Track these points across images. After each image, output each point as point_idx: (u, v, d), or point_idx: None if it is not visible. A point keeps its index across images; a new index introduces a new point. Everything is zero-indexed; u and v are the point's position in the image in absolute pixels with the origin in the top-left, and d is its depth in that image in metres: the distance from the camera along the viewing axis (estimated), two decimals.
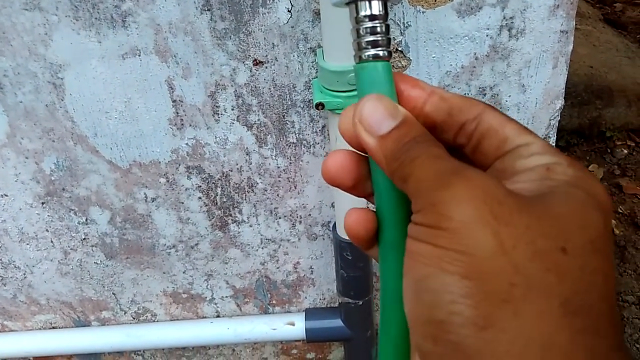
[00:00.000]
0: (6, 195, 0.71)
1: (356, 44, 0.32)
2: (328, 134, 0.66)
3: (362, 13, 0.32)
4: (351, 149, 0.31)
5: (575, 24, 1.96)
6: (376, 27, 0.32)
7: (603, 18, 2.35)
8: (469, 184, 0.23)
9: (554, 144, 0.68)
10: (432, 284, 0.23)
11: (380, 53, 0.32)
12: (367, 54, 0.32)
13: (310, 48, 0.60)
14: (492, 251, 0.22)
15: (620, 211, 1.88)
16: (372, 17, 0.32)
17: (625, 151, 2.05)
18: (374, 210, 0.31)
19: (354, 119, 0.29)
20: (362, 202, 0.60)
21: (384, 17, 0.32)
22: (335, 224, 0.71)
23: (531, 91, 0.64)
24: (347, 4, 0.32)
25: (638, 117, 2.08)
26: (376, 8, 0.32)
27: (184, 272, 0.79)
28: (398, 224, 0.30)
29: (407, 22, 0.59)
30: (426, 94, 0.30)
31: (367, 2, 0.32)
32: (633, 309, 1.61)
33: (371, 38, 0.32)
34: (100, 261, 0.78)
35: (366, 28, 0.32)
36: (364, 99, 0.29)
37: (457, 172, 0.24)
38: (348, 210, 0.32)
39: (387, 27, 0.32)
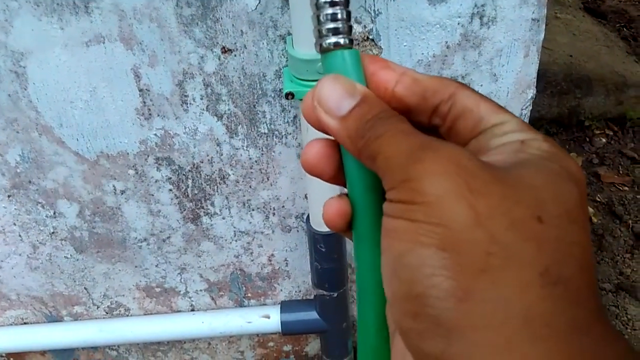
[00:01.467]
0: None
1: (317, 31, 0.31)
2: (300, 124, 0.65)
3: None
4: (329, 136, 0.31)
5: (555, 13, 1.95)
6: (337, 13, 0.31)
7: (583, 7, 2.36)
8: (441, 157, 0.23)
9: None
10: (410, 258, 0.22)
11: (341, 41, 0.31)
12: (327, 41, 0.31)
13: (280, 36, 0.59)
14: (467, 222, 0.21)
15: (598, 200, 1.90)
16: (332, 3, 0.31)
17: (604, 140, 2.07)
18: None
19: (313, 102, 0.28)
20: (335, 192, 0.59)
21: (345, 3, 0.31)
22: (308, 215, 0.70)
23: (503, 80, 0.63)
24: None
25: (616, 107, 2.10)
26: None
27: (156, 266, 0.78)
28: (370, 206, 0.30)
29: (377, 10, 0.58)
30: (397, 75, 0.30)
31: None
32: (610, 296, 1.63)
33: (332, 25, 0.31)
34: (71, 255, 0.76)
35: (326, 15, 0.31)
36: (320, 81, 0.28)
37: (427, 146, 0.24)
38: (326, 201, 0.31)
39: (349, 13, 0.31)
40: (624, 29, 2.25)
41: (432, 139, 0.24)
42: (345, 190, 0.32)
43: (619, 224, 1.82)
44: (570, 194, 0.23)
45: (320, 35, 0.31)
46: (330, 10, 0.30)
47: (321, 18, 0.31)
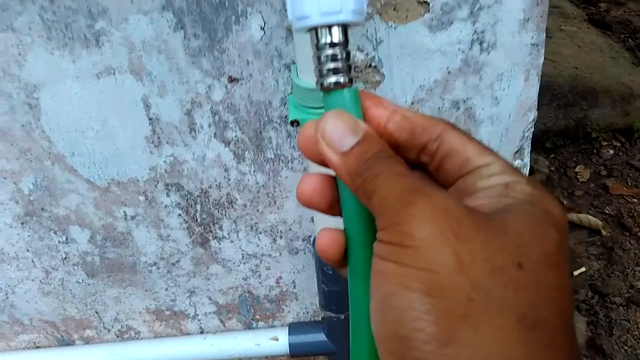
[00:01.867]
0: None
1: (317, 70, 0.33)
2: None
3: (322, 40, 0.32)
4: (324, 171, 0.32)
5: (560, 25, 1.97)
6: (337, 54, 0.32)
7: (588, 18, 2.38)
8: (430, 203, 0.24)
9: (528, 155, 0.69)
10: (397, 301, 0.24)
11: (342, 80, 0.32)
12: (328, 81, 0.32)
13: (285, 64, 0.61)
14: (451, 268, 0.23)
15: (607, 212, 1.90)
16: (332, 45, 0.32)
17: (611, 152, 2.07)
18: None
19: (316, 135, 0.30)
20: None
21: (344, 43, 0.33)
22: (315, 238, 0.72)
23: (504, 104, 0.65)
24: (308, 30, 0.33)
25: (623, 118, 2.11)
26: (336, 35, 0.32)
27: (166, 289, 0.79)
28: (365, 244, 0.31)
29: (379, 38, 0.59)
30: (389, 112, 0.31)
31: (326, 29, 0.32)
32: (621, 310, 1.62)
33: (332, 65, 0.32)
34: (82, 280, 0.78)
35: (327, 55, 0.32)
36: (325, 115, 0.30)
37: (418, 191, 0.25)
38: (319, 230, 0.33)
39: (348, 53, 0.33)
40: (629, 40, 2.27)
41: (423, 184, 0.26)
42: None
43: (629, 236, 1.82)
44: (550, 239, 0.25)
45: (321, 75, 0.33)
46: (330, 51, 0.32)
47: (322, 58, 0.32)
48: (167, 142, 0.66)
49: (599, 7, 2.38)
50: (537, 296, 0.23)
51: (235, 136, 0.66)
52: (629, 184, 1.99)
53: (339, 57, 0.32)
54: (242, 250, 0.76)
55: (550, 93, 2.11)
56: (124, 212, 0.72)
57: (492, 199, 0.27)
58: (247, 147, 0.67)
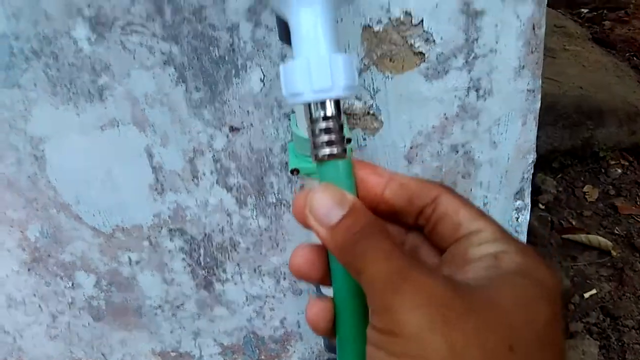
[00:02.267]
0: None
1: (312, 142, 0.34)
2: None
3: (315, 114, 0.34)
4: (316, 240, 0.33)
5: (564, 45, 1.99)
6: (330, 127, 0.34)
7: (592, 37, 2.39)
8: (419, 289, 0.25)
9: (529, 196, 0.70)
10: None
11: (335, 151, 0.33)
12: (322, 153, 0.33)
13: (285, 113, 0.63)
14: (444, 356, 0.23)
15: (617, 232, 1.89)
16: (325, 118, 0.34)
17: (619, 171, 2.07)
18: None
19: (305, 209, 0.30)
20: None
21: (337, 116, 0.34)
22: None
23: (502, 147, 0.66)
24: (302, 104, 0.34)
25: (630, 137, 2.11)
26: (329, 109, 0.33)
27: (171, 332, 0.80)
28: (354, 315, 0.32)
29: (376, 87, 0.61)
30: (385, 180, 0.32)
31: (319, 104, 0.33)
32: (633, 333, 1.61)
33: (326, 138, 0.33)
34: (88, 323, 0.79)
35: (320, 128, 0.34)
36: (312, 190, 0.30)
37: (406, 275, 0.25)
38: (309, 300, 0.34)
39: (341, 125, 0.34)
40: (634, 58, 2.28)
41: (412, 265, 0.26)
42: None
43: (639, 256, 1.82)
44: (541, 315, 0.25)
45: (315, 147, 0.34)
46: (323, 124, 0.33)
47: (315, 131, 0.34)
48: (171, 190, 0.68)
49: (603, 25, 2.40)
50: None
51: (237, 182, 0.68)
52: (638, 203, 1.99)
53: (332, 129, 0.34)
54: (246, 292, 0.77)
55: (556, 113, 2.11)
56: (129, 257, 0.73)
57: (483, 271, 0.27)
58: (249, 193, 0.69)
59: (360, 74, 0.60)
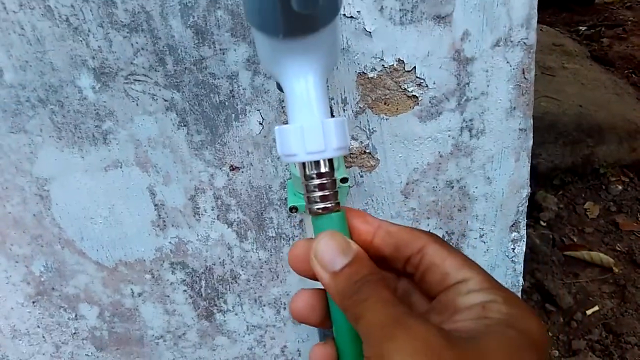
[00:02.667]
0: None
1: (306, 197, 0.37)
2: (305, 228, 0.70)
3: (309, 172, 0.36)
4: (316, 285, 0.35)
5: (563, 63, 2.01)
6: (324, 183, 0.36)
7: (590, 55, 2.41)
8: (412, 337, 0.26)
9: (524, 228, 0.72)
10: None
11: (329, 205, 0.36)
12: (316, 207, 0.36)
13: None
14: None
15: (619, 249, 1.91)
16: (319, 175, 0.36)
17: (620, 187, 2.09)
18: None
19: (310, 253, 0.32)
20: None
21: (330, 173, 0.36)
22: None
23: (497, 183, 0.68)
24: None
25: (630, 153, 2.13)
26: (322, 167, 0.36)
27: None
28: (356, 356, 0.34)
29: (372, 128, 0.63)
30: (373, 228, 0.34)
31: (313, 163, 0.36)
32: (636, 350, 1.62)
33: (319, 194, 0.36)
34: (91, 353, 0.81)
35: (314, 185, 0.36)
36: (319, 236, 0.32)
37: (401, 323, 0.27)
38: (312, 347, 0.36)
39: (334, 181, 0.36)
40: (633, 75, 2.30)
41: (408, 314, 0.28)
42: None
43: None
44: None
45: (309, 202, 0.36)
46: (317, 181, 0.36)
47: (309, 187, 0.36)
48: (172, 225, 0.70)
49: (601, 42, 2.42)
50: None
51: (238, 218, 0.70)
52: (639, 219, 2.00)
53: (325, 185, 0.36)
54: (247, 322, 0.79)
55: (556, 131, 2.14)
56: (132, 289, 0.75)
57: (471, 321, 0.29)
58: (249, 227, 0.71)
59: (356, 116, 0.63)
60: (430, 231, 0.69)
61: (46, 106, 0.60)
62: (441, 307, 0.31)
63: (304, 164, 0.36)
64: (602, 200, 2.08)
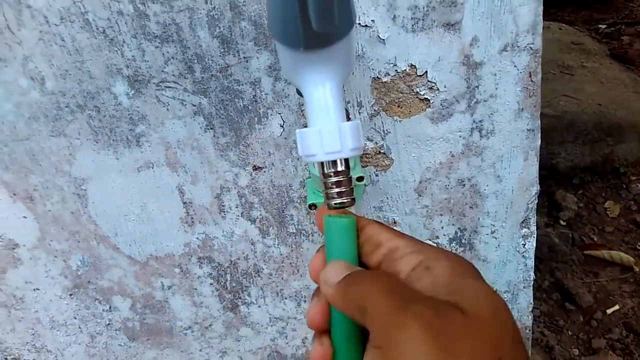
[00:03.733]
0: (38, 289, 0.81)
1: (325, 193, 0.41)
2: None
3: (327, 170, 0.40)
4: None
5: (582, 62, 2.01)
6: (341, 180, 0.40)
7: (610, 53, 2.41)
8: (419, 322, 0.29)
9: (534, 224, 0.75)
10: None
11: (346, 201, 0.40)
12: (334, 202, 0.40)
13: None
14: None
15: (639, 248, 1.91)
16: (336, 173, 0.40)
17: None
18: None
19: (320, 280, 0.37)
20: None
21: (346, 171, 0.41)
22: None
23: (506, 181, 0.71)
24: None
25: None
26: (339, 166, 0.40)
27: (200, 350, 0.87)
28: (350, 352, 0.38)
29: (386, 130, 0.67)
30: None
31: (330, 162, 0.40)
32: None
33: (336, 190, 0.40)
34: (124, 343, 0.86)
35: (332, 182, 0.40)
36: (328, 266, 0.37)
37: (406, 309, 0.29)
38: (312, 347, 0.40)
39: (350, 179, 0.41)
40: None
41: (410, 296, 0.30)
42: None
43: None
44: (510, 320, 0.31)
45: (327, 197, 0.41)
46: (334, 179, 0.40)
47: (328, 184, 0.40)
48: (200, 222, 0.75)
49: (621, 40, 2.42)
50: None
51: (260, 215, 0.74)
52: None
53: (342, 182, 0.40)
54: (269, 314, 0.84)
55: (575, 130, 2.14)
56: (162, 282, 0.80)
57: (428, 282, 0.32)
58: (271, 224, 0.75)
59: (371, 118, 0.67)
60: (443, 228, 0.73)
61: (84, 111, 0.65)
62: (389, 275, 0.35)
63: (322, 163, 0.41)
64: (623, 200, 2.08)
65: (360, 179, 0.64)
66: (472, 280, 0.32)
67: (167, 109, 0.65)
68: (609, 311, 1.75)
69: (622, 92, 2.16)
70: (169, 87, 0.63)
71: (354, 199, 0.41)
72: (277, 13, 0.36)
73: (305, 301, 0.83)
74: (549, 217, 2.11)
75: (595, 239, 2.00)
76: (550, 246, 1.95)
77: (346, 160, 0.41)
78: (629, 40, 2.42)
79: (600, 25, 2.49)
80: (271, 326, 0.85)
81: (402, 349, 0.28)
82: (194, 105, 0.65)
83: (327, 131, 0.39)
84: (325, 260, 0.39)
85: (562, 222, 2.02)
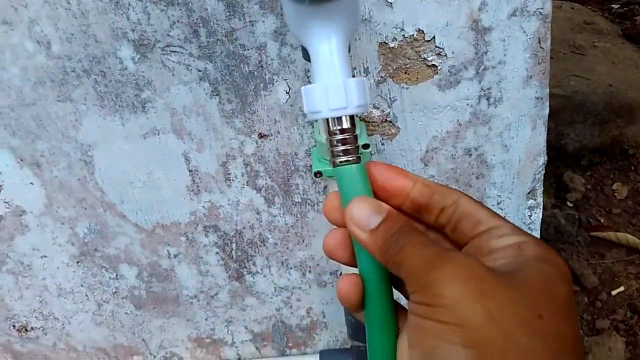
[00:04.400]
0: (45, 257, 0.81)
1: (330, 152, 0.41)
2: (328, 194, 0.74)
3: (332, 128, 0.40)
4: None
5: (593, 42, 1.99)
6: (346, 138, 0.40)
7: (622, 33, 2.38)
8: (455, 265, 0.28)
9: (541, 196, 0.75)
10: (440, 354, 0.28)
11: (351, 159, 0.40)
12: (339, 160, 0.40)
13: (308, 122, 0.69)
14: (483, 322, 0.27)
15: None
16: (342, 131, 0.40)
17: None
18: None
19: (345, 217, 0.35)
20: None
21: (352, 129, 0.40)
22: (341, 273, 0.79)
23: (514, 150, 0.71)
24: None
25: None
26: (344, 123, 0.40)
27: (206, 319, 0.88)
28: (380, 295, 0.37)
29: (393, 97, 0.67)
30: (411, 182, 0.38)
31: (336, 119, 0.40)
32: None
33: (342, 147, 0.40)
34: (130, 311, 0.87)
35: (337, 140, 0.40)
36: (352, 202, 0.35)
37: (442, 255, 0.29)
38: (340, 278, 0.39)
39: (355, 136, 0.40)
40: None
41: (447, 248, 0.31)
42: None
43: None
44: (562, 293, 0.30)
45: (333, 155, 0.40)
46: (340, 136, 0.40)
47: (333, 142, 0.40)
48: (205, 190, 0.75)
49: (634, 20, 2.38)
50: (557, 343, 0.28)
51: (266, 184, 0.74)
52: None
53: (348, 140, 0.40)
54: (274, 284, 0.84)
55: (585, 111, 2.12)
56: (168, 251, 0.81)
57: (508, 258, 0.31)
58: (277, 193, 0.75)
59: (377, 85, 0.66)
60: None
61: (90, 76, 0.65)
62: (475, 250, 0.33)
63: (327, 120, 0.40)
64: (631, 182, 2.07)
65: (365, 146, 0.63)
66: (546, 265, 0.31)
67: (173, 75, 0.64)
68: (613, 292, 1.74)
69: (633, 72, 2.13)
70: (175, 51, 0.63)
71: (359, 157, 0.41)
72: None
73: (310, 271, 0.83)
74: (556, 198, 2.09)
75: (602, 220, 1.99)
76: (557, 227, 1.94)
77: (352, 118, 0.40)
78: None
79: (613, 5, 2.46)
80: (276, 296, 0.85)
81: (439, 289, 0.28)
82: (199, 71, 0.64)
83: (333, 86, 0.39)
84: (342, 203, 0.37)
85: (569, 203, 2.01)
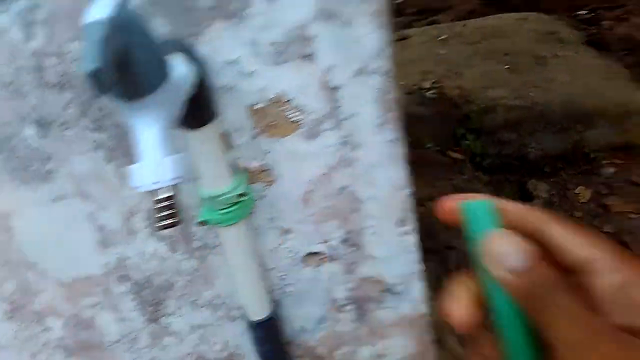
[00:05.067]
0: None
1: (155, 215, 0.62)
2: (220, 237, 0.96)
3: (154, 198, 0.61)
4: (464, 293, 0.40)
5: (556, 52, 2.27)
6: (169, 204, 0.62)
7: (587, 40, 2.64)
8: (611, 353, 0.31)
9: (413, 222, 0.96)
10: None
11: (173, 220, 0.61)
12: (163, 223, 0.61)
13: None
14: None
15: (607, 231, 2.12)
16: (162, 200, 0.61)
17: (612, 170, 2.31)
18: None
19: (484, 251, 0.37)
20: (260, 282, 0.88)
21: (173, 197, 0.61)
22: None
23: (380, 186, 0.93)
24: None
25: (622, 135, 2.35)
26: (164, 194, 0.61)
27: None
28: (519, 334, 0.38)
29: (266, 149, 0.89)
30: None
31: (157, 191, 0.61)
32: None
33: (166, 212, 0.61)
34: (62, 359, 1.08)
35: (162, 206, 0.61)
36: (493, 236, 0.37)
37: (595, 347, 0.31)
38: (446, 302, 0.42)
39: (175, 203, 0.62)
40: (629, 56, 2.50)
41: (600, 331, 0.32)
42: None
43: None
44: None
45: (157, 219, 0.61)
46: (164, 203, 0.61)
47: (157, 208, 0.61)
48: (113, 244, 0.96)
49: (601, 25, 2.63)
50: None
51: (168, 233, 0.96)
52: (630, 200, 2.22)
53: (170, 205, 0.61)
54: (189, 323, 1.05)
55: (545, 120, 2.37)
56: (87, 301, 1.02)
57: (623, 310, 0.34)
58: (179, 241, 0.97)
59: (253, 139, 0.88)
60: (332, 232, 0.95)
61: (2, 154, 0.86)
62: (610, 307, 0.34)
63: (151, 191, 0.61)
64: (594, 184, 2.31)
65: (242, 195, 0.85)
66: None
67: (71, 146, 0.86)
68: None
69: (593, 79, 2.38)
70: (70, 127, 0.85)
71: (181, 221, 0.62)
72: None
73: (219, 308, 1.04)
74: None
75: None
76: None
77: (172, 188, 0.61)
78: (609, 25, 2.64)
79: (580, 12, 2.72)
80: (192, 334, 1.06)
81: None
82: (94, 141, 0.86)
83: (149, 165, 0.60)
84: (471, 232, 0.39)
85: None
